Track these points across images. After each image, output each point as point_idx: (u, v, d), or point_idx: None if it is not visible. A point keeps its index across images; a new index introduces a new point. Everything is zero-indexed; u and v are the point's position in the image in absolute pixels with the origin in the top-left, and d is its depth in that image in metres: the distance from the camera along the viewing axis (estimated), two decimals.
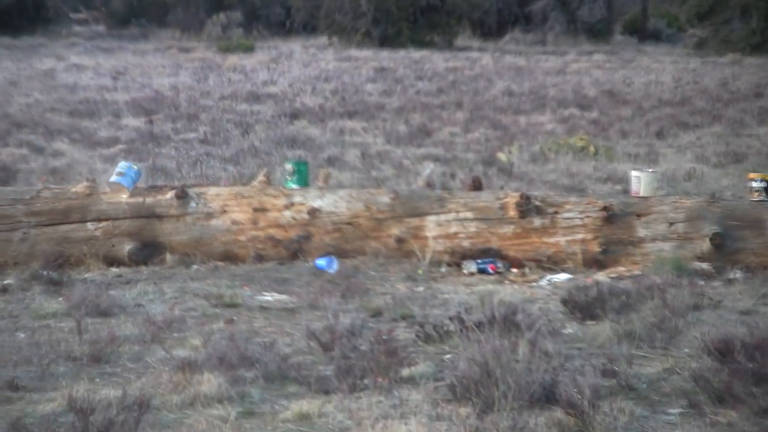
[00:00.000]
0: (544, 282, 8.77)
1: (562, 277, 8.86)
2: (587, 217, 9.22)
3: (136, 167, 10.34)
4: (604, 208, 9.24)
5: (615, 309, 7.49)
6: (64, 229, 9.24)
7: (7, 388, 6.01)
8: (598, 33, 47.02)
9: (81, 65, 30.76)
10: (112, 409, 5.27)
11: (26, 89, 23.99)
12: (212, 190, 9.62)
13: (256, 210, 9.37)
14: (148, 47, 40.24)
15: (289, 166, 10.54)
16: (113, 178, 9.81)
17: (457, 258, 9.23)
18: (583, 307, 7.59)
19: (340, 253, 9.25)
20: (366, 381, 6.04)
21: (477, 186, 10.20)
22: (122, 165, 10.22)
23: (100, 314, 7.60)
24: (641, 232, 9.21)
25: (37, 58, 33.04)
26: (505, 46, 41.84)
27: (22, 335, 7.16)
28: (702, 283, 8.52)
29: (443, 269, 9.12)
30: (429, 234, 9.29)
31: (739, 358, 6.10)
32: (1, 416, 5.52)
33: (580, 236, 9.20)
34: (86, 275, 8.86)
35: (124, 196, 9.49)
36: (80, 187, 9.54)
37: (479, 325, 6.88)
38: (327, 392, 5.93)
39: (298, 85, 25.11)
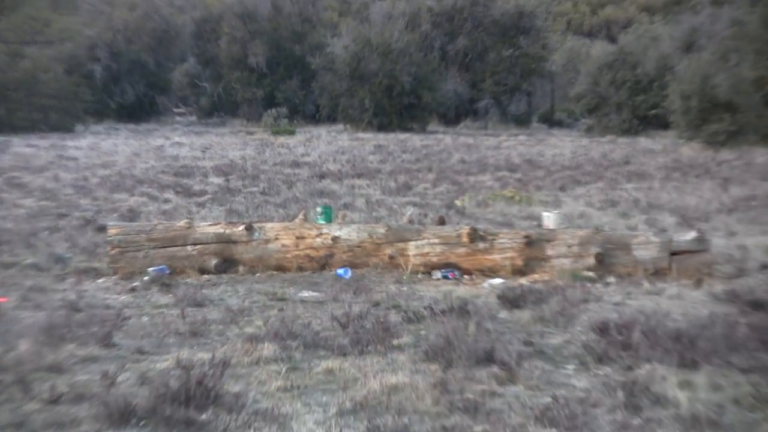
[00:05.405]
0: (485, 284, 8.78)
1: (498, 281, 8.88)
2: (514, 242, 9.26)
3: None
4: (526, 237, 9.30)
5: (532, 302, 7.56)
6: (172, 250, 9.28)
7: (136, 352, 6.10)
8: (521, 121, 47.28)
9: (181, 143, 30.75)
10: (205, 366, 5.36)
11: (145, 158, 23.98)
12: (269, 225, 9.64)
13: (297, 237, 9.40)
14: (225, 131, 40.35)
15: (318, 209, 10.63)
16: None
17: (429, 269, 9.24)
18: (511, 300, 7.64)
19: (353, 266, 9.26)
20: (370, 348, 6.10)
21: (442, 222, 10.30)
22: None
23: (196, 305, 7.65)
24: (550, 252, 9.26)
25: (151, 138, 33.06)
26: (460, 130, 41.95)
27: (146, 318, 7.21)
28: (589, 285, 8.57)
29: (419, 276, 9.14)
30: (410, 253, 9.31)
31: (612, 333, 6.21)
32: (134, 370, 5.61)
33: (509, 255, 9.23)
34: (187, 280, 8.87)
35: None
36: (182, 223, 9.57)
37: (443, 312, 6.98)
38: (344, 355, 6.00)
39: (324, 156, 25.13)
